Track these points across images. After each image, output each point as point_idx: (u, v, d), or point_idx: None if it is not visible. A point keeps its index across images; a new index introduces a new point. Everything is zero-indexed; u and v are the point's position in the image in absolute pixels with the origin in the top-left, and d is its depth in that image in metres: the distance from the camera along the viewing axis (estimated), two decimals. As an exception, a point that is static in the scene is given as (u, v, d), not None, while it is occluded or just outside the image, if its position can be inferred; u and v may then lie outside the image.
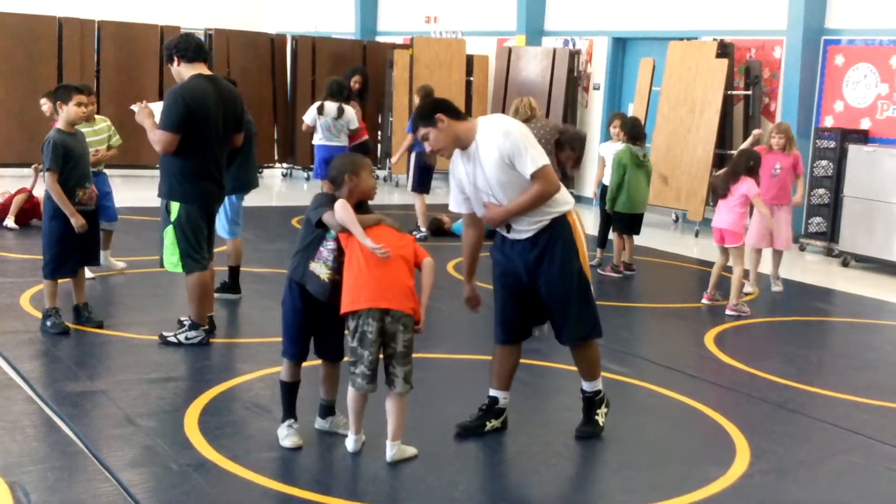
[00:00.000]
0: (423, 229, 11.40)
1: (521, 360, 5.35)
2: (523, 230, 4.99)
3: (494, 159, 4.84)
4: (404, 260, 4.69)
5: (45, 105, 9.08)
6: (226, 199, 7.29)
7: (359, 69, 14.05)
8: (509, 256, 5.09)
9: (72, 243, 6.67)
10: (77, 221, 6.57)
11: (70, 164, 6.61)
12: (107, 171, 8.61)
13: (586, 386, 5.30)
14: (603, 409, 5.34)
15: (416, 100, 11.76)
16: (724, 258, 8.67)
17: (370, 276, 4.59)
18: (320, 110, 11.37)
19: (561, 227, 4.99)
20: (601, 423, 5.30)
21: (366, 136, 12.09)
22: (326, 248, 4.73)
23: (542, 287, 5.03)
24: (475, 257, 5.22)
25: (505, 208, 4.92)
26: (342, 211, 4.61)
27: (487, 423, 5.23)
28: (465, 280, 5.23)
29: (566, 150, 8.02)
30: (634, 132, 9.68)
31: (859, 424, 5.77)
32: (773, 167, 8.90)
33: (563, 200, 5.02)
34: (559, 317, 5.09)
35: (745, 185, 8.30)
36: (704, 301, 8.70)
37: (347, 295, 4.64)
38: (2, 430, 4.95)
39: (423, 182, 11.47)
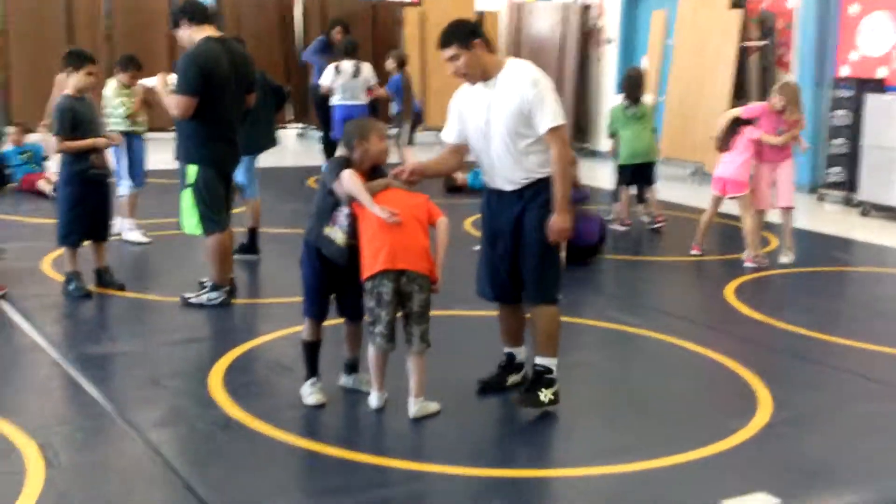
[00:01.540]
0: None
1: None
2: (512, 181, 4.85)
3: (513, 105, 4.72)
4: (417, 220, 4.69)
5: None
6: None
7: (338, 20, 13.78)
8: (496, 211, 4.97)
9: (83, 210, 6.68)
10: (109, 140, 6.79)
11: (80, 129, 6.61)
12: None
13: (538, 359, 4.98)
14: (548, 392, 4.92)
15: (391, 64, 11.88)
16: (715, 208, 8.67)
17: (384, 239, 4.60)
18: (337, 70, 11.36)
19: (547, 186, 4.82)
20: (542, 401, 4.90)
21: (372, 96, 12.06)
22: (342, 214, 4.74)
23: (521, 238, 4.88)
24: (437, 171, 5.13)
25: (557, 207, 4.74)
26: (348, 181, 4.61)
27: (508, 377, 5.26)
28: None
29: None
30: (629, 89, 9.65)
31: (881, 372, 5.77)
32: (777, 127, 8.59)
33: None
34: (528, 269, 4.91)
35: (746, 132, 8.30)
36: (694, 252, 8.68)
37: (366, 261, 4.66)
38: (29, 393, 5.02)
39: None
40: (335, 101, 11.55)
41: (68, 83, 6.72)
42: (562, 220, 4.78)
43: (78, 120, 6.60)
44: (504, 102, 4.75)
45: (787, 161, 8.58)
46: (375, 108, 12.23)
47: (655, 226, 9.79)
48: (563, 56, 15.61)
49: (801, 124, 8.52)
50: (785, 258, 8.62)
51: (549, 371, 4.96)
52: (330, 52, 12.82)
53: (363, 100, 11.55)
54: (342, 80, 11.37)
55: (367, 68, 11.56)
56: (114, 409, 4.79)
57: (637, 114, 9.60)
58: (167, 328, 6.21)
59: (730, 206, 9.14)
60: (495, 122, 4.79)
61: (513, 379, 5.26)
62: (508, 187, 4.89)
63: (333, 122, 11.72)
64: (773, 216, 8.91)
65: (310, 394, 4.94)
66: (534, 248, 4.88)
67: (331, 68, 11.46)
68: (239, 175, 7.60)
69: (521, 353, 5.31)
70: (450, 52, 4.77)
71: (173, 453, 4.32)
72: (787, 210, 8.57)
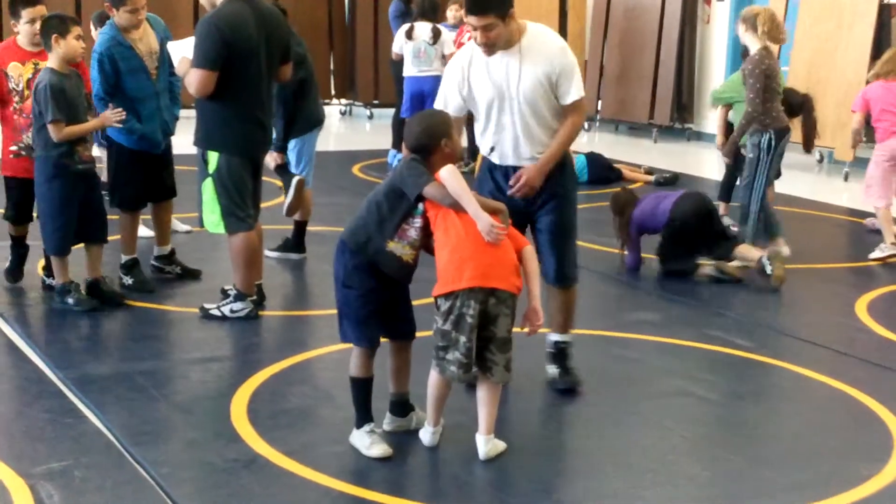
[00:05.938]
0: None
1: (625, 334, 5.35)
2: (525, 157, 5.26)
3: (539, 72, 5.09)
4: (506, 234, 4.71)
5: None
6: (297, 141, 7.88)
7: None
8: (503, 188, 5.31)
9: (74, 210, 6.63)
10: (114, 116, 6.67)
11: (70, 112, 6.52)
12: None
13: (559, 337, 5.61)
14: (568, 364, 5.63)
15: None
16: None
17: (473, 251, 4.60)
18: (409, 34, 11.31)
19: (567, 157, 5.38)
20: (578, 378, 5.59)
21: None
22: (414, 227, 4.71)
23: (545, 217, 5.38)
24: None
25: (542, 161, 5.23)
26: (454, 180, 4.59)
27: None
28: None
29: None
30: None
31: None
32: None
33: None
34: (558, 252, 5.42)
35: None
36: None
37: (446, 273, 4.64)
38: (18, 422, 5.11)
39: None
40: (406, 71, 11.54)
41: (53, 55, 6.53)
42: (534, 174, 5.21)
43: (68, 101, 6.49)
44: (528, 70, 5.10)
45: None
46: None
47: None
48: (663, 17, 15.48)
49: None
50: None
51: (570, 344, 5.64)
52: (409, 16, 12.78)
53: (437, 70, 11.40)
54: (413, 45, 11.29)
55: (447, 34, 11.46)
56: (119, 443, 4.87)
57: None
58: (183, 346, 6.29)
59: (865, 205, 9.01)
60: (516, 91, 5.11)
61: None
62: (521, 163, 5.27)
63: (403, 98, 11.72)
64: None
65: (370, 444, 4.77)
66: (570, 224, 5.46)
67: (402, 32, 11.46)
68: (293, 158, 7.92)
69: None
70: (485, 20, 4.93)
71: (187, 496, 4.37)
72: None
